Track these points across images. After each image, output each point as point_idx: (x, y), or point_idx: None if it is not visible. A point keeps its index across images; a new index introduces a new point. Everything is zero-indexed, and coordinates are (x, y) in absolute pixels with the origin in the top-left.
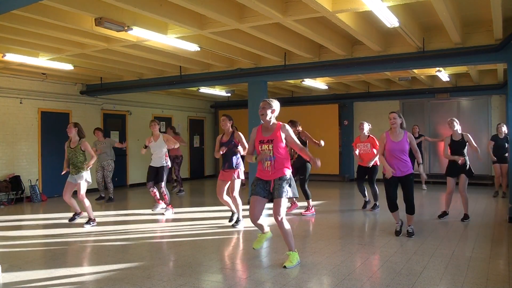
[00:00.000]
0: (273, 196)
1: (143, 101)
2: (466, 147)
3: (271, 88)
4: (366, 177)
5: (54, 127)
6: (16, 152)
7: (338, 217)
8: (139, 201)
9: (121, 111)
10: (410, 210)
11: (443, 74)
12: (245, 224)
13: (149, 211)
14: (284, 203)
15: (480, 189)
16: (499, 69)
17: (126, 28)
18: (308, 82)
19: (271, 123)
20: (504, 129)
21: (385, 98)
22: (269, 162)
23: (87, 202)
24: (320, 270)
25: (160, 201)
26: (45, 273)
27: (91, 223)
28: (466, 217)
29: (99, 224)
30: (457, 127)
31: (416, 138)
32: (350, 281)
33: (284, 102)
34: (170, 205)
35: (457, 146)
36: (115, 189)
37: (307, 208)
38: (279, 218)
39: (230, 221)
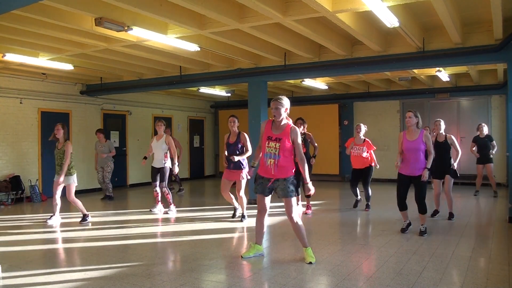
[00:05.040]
0: (279, 196)
1: (143, 101)
2: (450, 149)
3: (271, 88)
4: (361, 178)
5: (54, 127)
6: (16, 152)
7: (338, 217)
8: (139, 201)
9: (121, 111)
10: (421, 209)
11: (443, 74)
12: (249, 222)
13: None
14: (294, 202)
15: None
16: (499, 69)
17: (126, 28)
18: (308, 82)
19: (282, 123)
20: (485, 129)
21: (385, 98)
22: (273, 160)
23: (78, 202)
24: (320, 270)
25: (160, 202)
26: (45, 273)
27: (86, 219)
28: (451, 215)
29: (99, 223)
30: (442, 128)
31: None
32: (350, 281)
33: None
34: (171, 204)
35: (440, 148)
36: (116, 189)
37: (307, 207)
38: (292, 216)
39: (233, 216)
